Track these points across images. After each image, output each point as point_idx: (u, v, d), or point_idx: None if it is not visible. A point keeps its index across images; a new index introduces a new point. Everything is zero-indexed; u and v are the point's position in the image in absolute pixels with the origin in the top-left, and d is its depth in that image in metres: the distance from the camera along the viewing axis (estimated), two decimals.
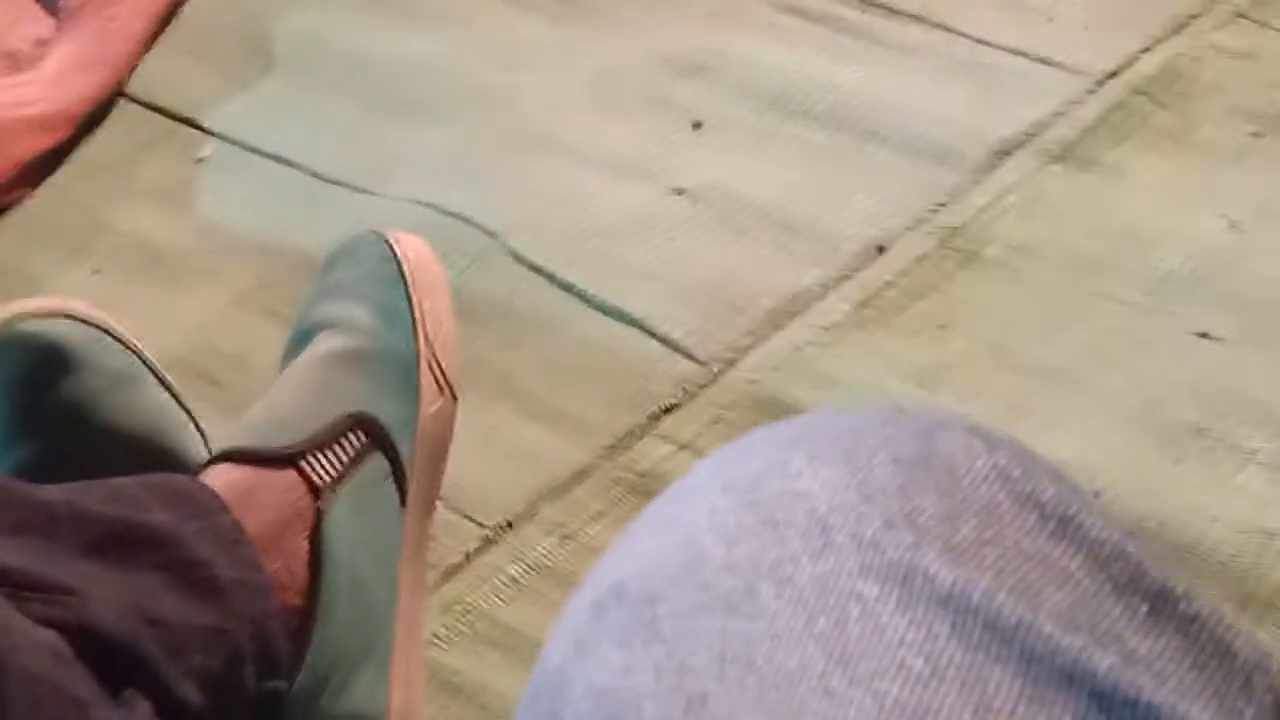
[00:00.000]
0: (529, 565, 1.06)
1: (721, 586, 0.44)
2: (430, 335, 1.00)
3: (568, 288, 1.23)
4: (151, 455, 0.93)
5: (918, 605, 0.42)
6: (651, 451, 1.12)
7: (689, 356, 1.17)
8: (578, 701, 0.44)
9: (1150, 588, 0.44)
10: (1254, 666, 0.43)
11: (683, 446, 1.11)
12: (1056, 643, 0.41)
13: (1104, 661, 0.41)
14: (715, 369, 1.16)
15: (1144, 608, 0.43)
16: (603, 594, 0.47)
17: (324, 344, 0.97)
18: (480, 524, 1.08)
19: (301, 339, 1.00)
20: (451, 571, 1.06)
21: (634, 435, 1.13)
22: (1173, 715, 0.40)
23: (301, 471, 0.89)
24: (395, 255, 1.03)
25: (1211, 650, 0.43)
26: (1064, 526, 0.45)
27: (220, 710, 0.80)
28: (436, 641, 1.02)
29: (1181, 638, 0.43)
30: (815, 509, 0.45)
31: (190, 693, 0.78)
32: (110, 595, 0.76)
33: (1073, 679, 0.41)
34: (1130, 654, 0.42)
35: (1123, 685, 0.41)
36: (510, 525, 1.08)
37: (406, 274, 1.02)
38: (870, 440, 0.47)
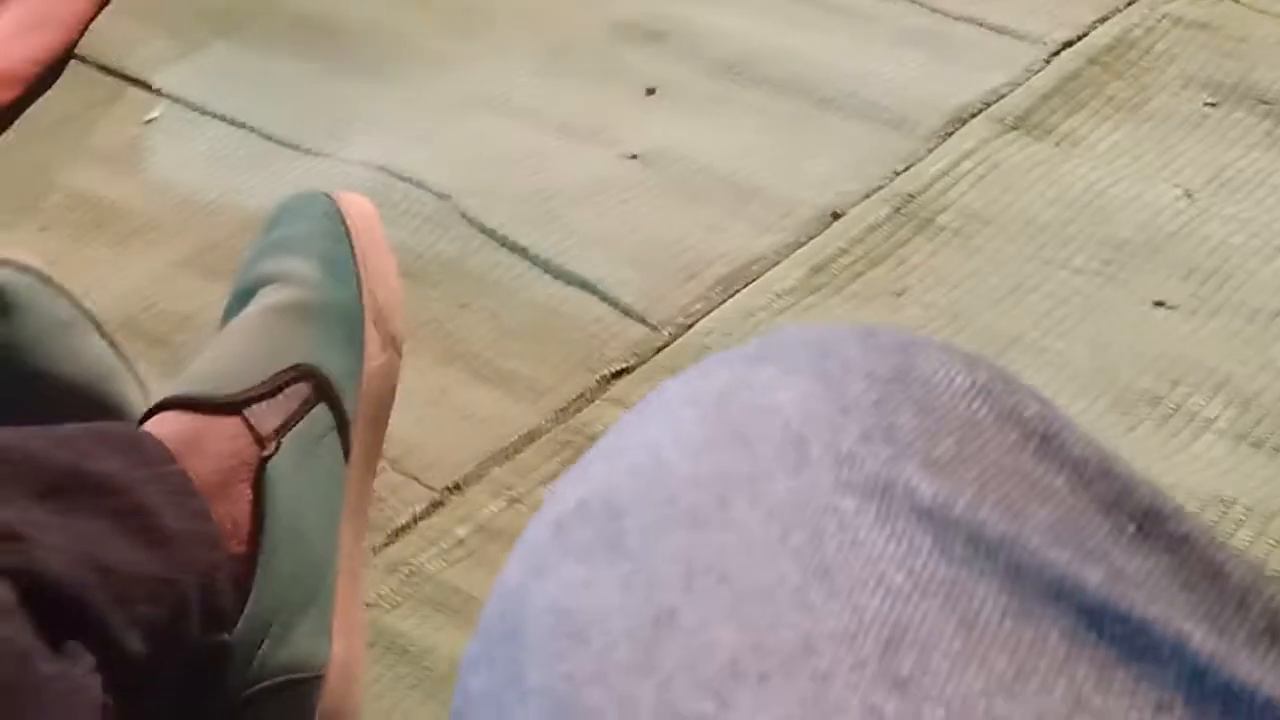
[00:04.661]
0: (477, 527, 1.05)
1: (688, 500, 0.43)
2: (374, 289, 1.00)
3: (520, 251, 1.22)
4: (92, 402, 0.92)
5: (897, 519, 0.41)
6: (602, 415, 1.11)
7: (641, 321, 1.16)
8: (538, 618, 0.43)
9: (1138, 507, 0.43)
10: (1247, 588, 0.42)
11: None
12: (1043, 557, 0.40)
13: (1093, 577, 0.40)
14: (667, 333, 1.16)
15: (1131, 526, 0.42)
16: (564, 513, 0.45)
17: (268, 297, 0.97)
18: (428, 486, 1.07)
19: (243, 295, 1.00)
20: (398, 533, 1.05)
21: (584, 398, 1.12)
22: (1166, 631, 0.40)
23: (246, 420, 0.88)
24: (338, 211, 1.03)
25: (1202, 571, 0.42)
26: (1047, 444, 0.44)
27: (164, 660, 0.79)
28: (382, 603, 1.01)
29: (1171, 557, 0.42)
30: (789, 423, 0.44)
31: (135, 642, 0.77)
32: (58, 541, 0.76)
33: (1060, 593, 0.40)
34: (1119, 571, 0.41)
35: (1113, 600, 0.40)
36: (458, 487, 1.07)
37: (350, 229, 1.01)
38: (843, 355, 0.46)
